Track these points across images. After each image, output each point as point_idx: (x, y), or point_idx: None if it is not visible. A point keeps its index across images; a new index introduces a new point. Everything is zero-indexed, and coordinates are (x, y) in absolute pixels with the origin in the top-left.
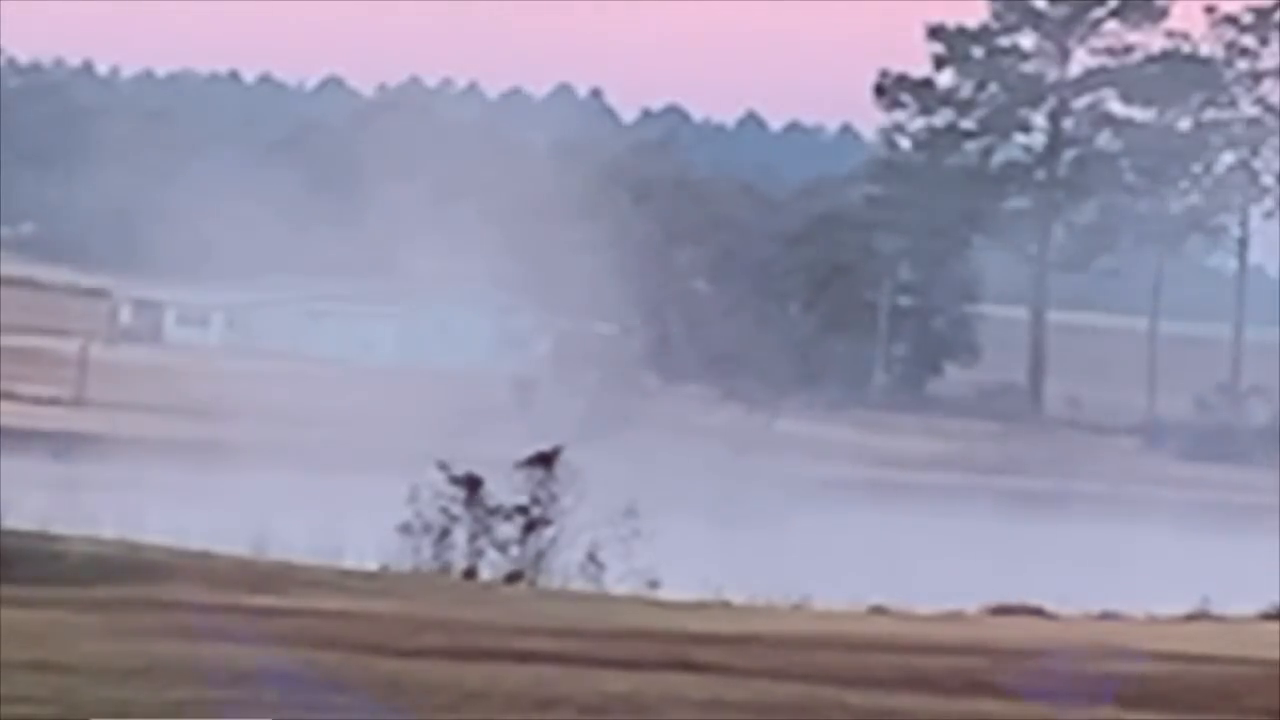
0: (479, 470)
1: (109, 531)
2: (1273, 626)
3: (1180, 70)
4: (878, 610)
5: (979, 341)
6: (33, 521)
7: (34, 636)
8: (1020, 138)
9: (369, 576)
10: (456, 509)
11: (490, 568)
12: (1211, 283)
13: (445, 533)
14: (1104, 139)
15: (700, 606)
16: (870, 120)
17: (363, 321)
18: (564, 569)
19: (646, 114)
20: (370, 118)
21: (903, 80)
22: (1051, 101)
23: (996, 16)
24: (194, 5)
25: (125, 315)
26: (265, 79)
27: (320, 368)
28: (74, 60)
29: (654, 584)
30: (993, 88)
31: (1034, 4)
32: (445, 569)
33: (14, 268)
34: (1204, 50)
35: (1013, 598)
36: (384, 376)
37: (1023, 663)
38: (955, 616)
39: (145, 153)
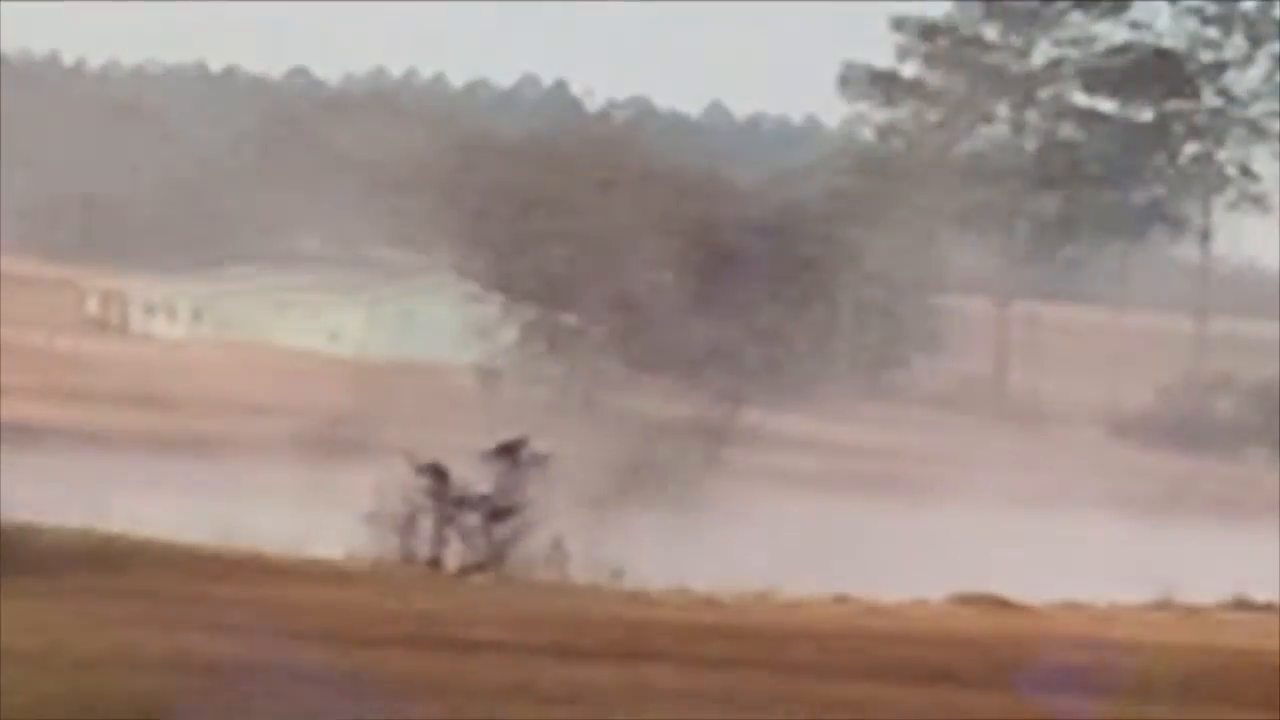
0: (445, 460)
1: (76, 521)
2: (1235, 616)
3: (1143, 61)
4: (842, 599)
5: (943, 332)
6: None
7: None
8: (983, 129)
9: (334, 566)
10: (422, 499)
11: (455, 557)
12: (1175, 273)
13: (411, 522)
14: (1067, 130)
15: (665, 596)
16: (835, 111)
17: (329, 311)
18: (529, 558)
19: (612, 104)
20: (336, 107)
21: (866, 71)
22: (1015, 93)
23: (960, 8)
24: None
25: (91, 306)
26: (232, 69)
27: (286, 358)
28: (40, 50)
29: (618, 573)
30: (956, 79)
31: None
32: (410, 558)
33: None
34: (1167, 42)
35: (976, 587)
36: (350, 366)
37: (986, 652)
38: (919, 606)
39: (111, 143)
